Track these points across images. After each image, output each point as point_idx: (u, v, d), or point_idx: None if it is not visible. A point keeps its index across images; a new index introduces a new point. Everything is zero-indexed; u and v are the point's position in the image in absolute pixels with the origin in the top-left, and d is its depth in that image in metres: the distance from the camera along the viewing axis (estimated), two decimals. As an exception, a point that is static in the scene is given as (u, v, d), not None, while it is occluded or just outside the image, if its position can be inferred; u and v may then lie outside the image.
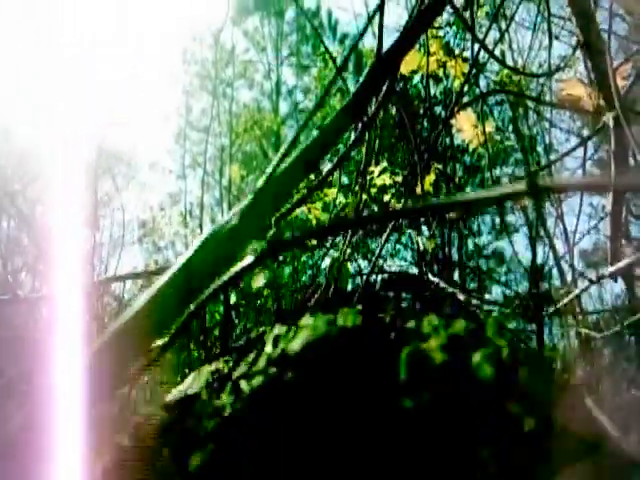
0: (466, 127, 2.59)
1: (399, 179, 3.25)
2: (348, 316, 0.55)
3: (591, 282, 1.77)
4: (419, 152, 1.90)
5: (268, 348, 0.62)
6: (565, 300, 1.90)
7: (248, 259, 0.60)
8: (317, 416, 0.38)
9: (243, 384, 0.53)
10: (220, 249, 0.57)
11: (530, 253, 7.31)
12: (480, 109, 2.73)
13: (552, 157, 6.36)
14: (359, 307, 0.78)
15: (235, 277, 0.62)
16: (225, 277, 0.63)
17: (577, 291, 1.96)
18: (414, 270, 8.96)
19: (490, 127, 2.77)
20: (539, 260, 7.01)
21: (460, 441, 0.34)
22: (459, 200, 0.45)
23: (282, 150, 0.64)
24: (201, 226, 6.72)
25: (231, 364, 0.87)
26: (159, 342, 0.79)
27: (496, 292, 9.80)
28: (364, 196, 2.51)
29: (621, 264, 1.64)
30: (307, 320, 0.71)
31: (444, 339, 0.51)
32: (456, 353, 0.45)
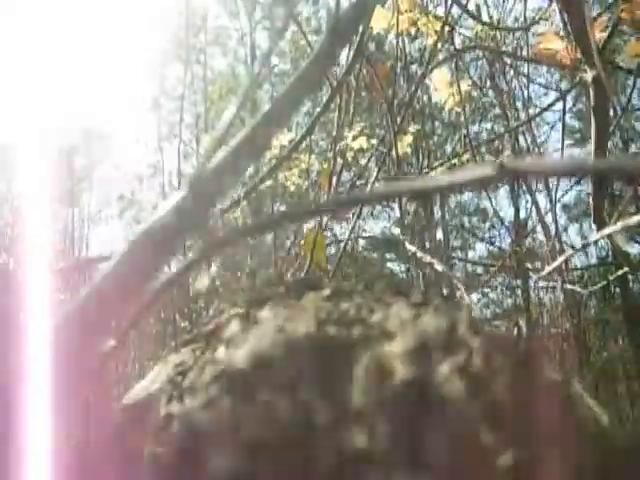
0: (441, 86, 2.53)
1: (375, 142, 3.19)
2: (301, 319, 0.49)
3: (576, 250, 1.73)
4: (392, 114, 1.84)
5: (220, 351, 0.57)
6: (553, 265, 1.86)
7: (192, 255, 0.54)
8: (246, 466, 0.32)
9: (187, 398, 0.47)
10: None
11: (513, 209, 7.30)
12: (455, 67, 2.67)
13: (531, 111, 6.31)
14: (326, 292, 0.72)
15: (190, 265, 0.56)
16: (191, 259, 0.57)
17: (563, 257, 1.92)
18: (396, 231, 8.93)
19: (466, 85, 2.72)
20: (522, 216, 6.99)
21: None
22: (420, 187, 0.39)
23: (234, 107, 0.58)
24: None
25: (198, 353, 0.81)
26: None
27: (480, 249, 9.80)
28: (340, 161, 2.45)
29: (607, 231, 1.59)
30: (266, 314, 0.66)
31: (410, 339, 0.45)
32: (421, 363, 0.39)
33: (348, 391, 0.36)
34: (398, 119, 1.97)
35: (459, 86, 2.42)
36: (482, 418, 0.33)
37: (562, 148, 2.80)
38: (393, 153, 2.11)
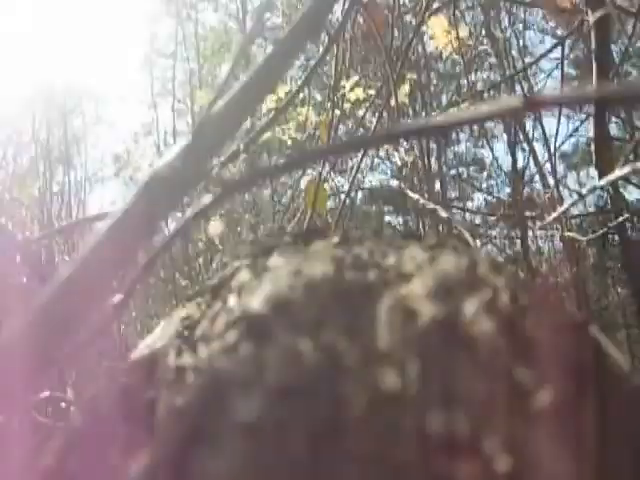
0: (438, 33, 2.49)
1: (373, 92, 3.16)
2: (316, 262, 0.47)
3: (580, 196, 1.71)
4: (390, 63, 1.81)
5: (232, 300, 0.55)
6: (554, 215, 1.84)
7: (207, 198, 0.52)
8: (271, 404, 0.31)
9: (201, 348, 0.45)
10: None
11: (511, 158, 7.28)
12: (452, 12, 2.63)
13: (527, 59, 6.27)
14: (334, 240, 0.71)
15: (202, 211, 0.54)
16: (189, 213, 0.55)
17: (566, 205, 1.90)
18: (394, 183, 8.90)
19: (463, 32, 2.68)
20: (520, 165, 6.97)
21: (457, 433, 0.27)
22: (448, 121, 0.37)
23: (229, 65, 0.56)
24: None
25: (203, 307, 0.80)
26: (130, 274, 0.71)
27: (478, 199, 9.80)
28: (337, 112, 2.42)
29: (612, 176, 1.57)
30: (276, 261, 0.64)
31: (430, 280, 0.44)
32: (445, 302, 0.38)
33: (374, 332, 0.35)
34: (396, 67, 1.94)
35: (457, 33, 2.39)
36: (514, 355, 0.32)
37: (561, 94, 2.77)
38: (392, 102, 2.08)
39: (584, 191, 1.71)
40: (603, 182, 1.61)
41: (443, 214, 1.61)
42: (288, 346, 0.33)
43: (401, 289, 0.43)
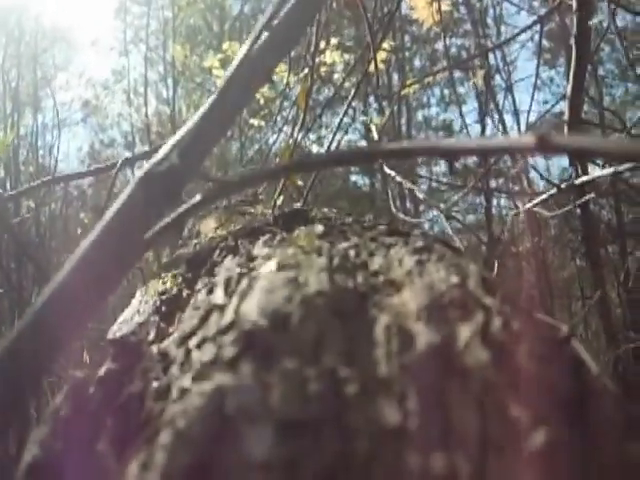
0: (420, 5, 2.48)
1: (347, 56, 3.15)
2: (310, 274, 0.48)
3: (559, 189, 1.72)
4: (371, 32, 1.81)
5: (219, 295, 0.55)
6: (527, 206, 1.87)
7: (196, 198, 0.53)
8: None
9: (194, 352, 0.46)
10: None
11: (480, 126, 7.28)
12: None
13: (502, 28, 6.27)
14: (319, 229, 0.71)
15: (193, 209, 0.55)
16: (178, 211, 0.56)
17: (543, 196, 1.92)
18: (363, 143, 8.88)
19: (446, 5, 2.67)
20: (488, 134, 6.98)
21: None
22: (456, 147, 0.38)
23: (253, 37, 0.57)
24: (146, 103, 6.51)
25: (180, 280, 0.81)
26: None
27: (443, 165, 9.81)
28: (314, 76, 2.41)
29: (595, 175, 1.59)
30: (262, 252, 0.65)
31: (421, 296, 0.45)
32: (439, 324, 0.39)
33: (371, 356, 0.36)
34: (379, 35, 1.93)
35: (440, 5, 2.38)
36: (510, 390, 0.33)
37: (537, 74, 2.77)
38: (371, 69, 2.07)
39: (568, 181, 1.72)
40: (583, 180, 1.63)
41: (420, 195, 1.62)
42: (292, 374, 0.33)
43: (393, 301, 0.44)
